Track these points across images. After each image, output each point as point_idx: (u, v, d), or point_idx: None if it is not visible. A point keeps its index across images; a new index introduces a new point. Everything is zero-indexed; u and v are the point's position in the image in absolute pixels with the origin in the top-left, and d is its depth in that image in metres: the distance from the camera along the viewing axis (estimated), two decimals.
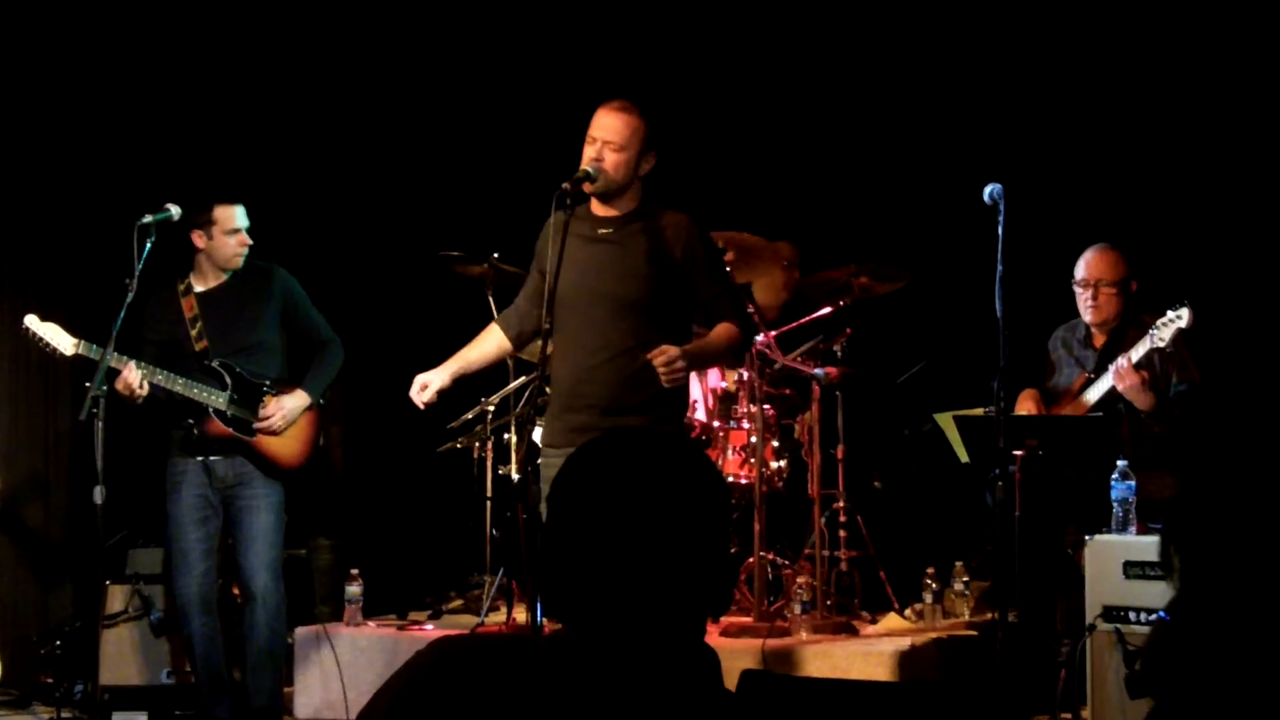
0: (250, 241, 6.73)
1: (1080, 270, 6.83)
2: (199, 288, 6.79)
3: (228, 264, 6.74)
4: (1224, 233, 7.73)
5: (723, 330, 5.60)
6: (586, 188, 5.56)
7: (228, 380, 6.65)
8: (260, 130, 8.84)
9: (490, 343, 5.99)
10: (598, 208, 5.68)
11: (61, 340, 6.43)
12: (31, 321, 6.44)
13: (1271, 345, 7.57)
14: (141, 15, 8.41)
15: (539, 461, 5.93)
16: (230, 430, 6.62)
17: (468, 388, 8.14)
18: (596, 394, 5.55)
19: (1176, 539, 2.40)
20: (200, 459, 6.66)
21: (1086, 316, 6.87)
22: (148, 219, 6.33)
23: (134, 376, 6.41)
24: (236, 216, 6.70)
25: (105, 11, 8.35)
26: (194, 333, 6.70)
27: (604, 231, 5.64)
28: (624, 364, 5.49)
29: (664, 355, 5.31)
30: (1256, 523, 2.30)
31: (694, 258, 5.60)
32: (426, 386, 5.80)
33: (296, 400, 6.76)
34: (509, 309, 6.03)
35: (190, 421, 6.62)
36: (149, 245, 6.27)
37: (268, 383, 6.73)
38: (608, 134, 5.56)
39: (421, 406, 5.87)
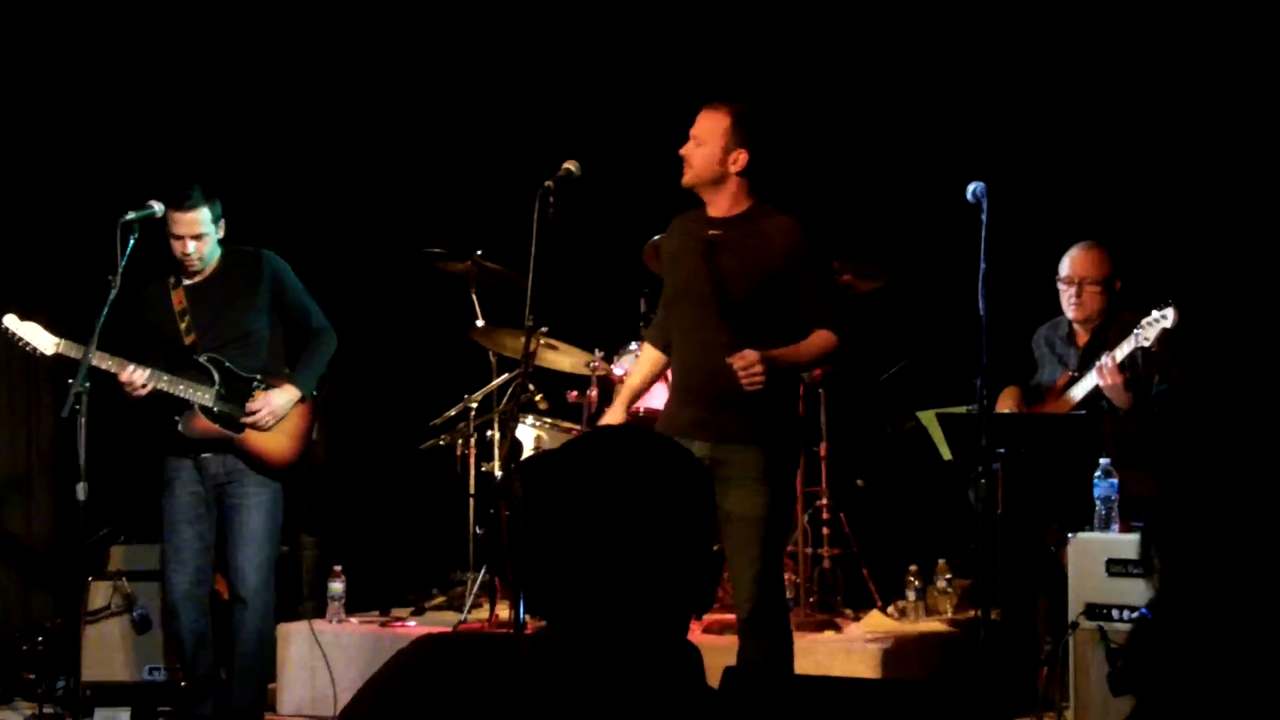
0: (189, 252, 6.55)
1: (1065, 267, 6.85)
2: (188, 280, 6.69)
3: (180, 263, 6.64)
4: (1207, 232, 7.75)
5: (818, 337, 5.67)
6: (684, 184, 5.73)
7: (215, 375, 6.59)
8: (244, 127, 8.82)
9: (645, 362, 6.11)
10: (710, 209, 5.78)
11: (41, 340, 6.40)
12: (10, 321, 6.41)
13: (1254, 345, 7.58)
14: (126, 12, 8.39)
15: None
16: (217, 427, 6.58)
17: (451, 385, 8.18)
18: (703, 392, 5.66)
19: (1156, 538, 2.40)
20: (191, 457, 6.63)
21: (1069, 314, 6.89)
22: (130, 216, 6.29)
23: (137, 376, 6.39)
24: (177, 221, 6.51)
25: (89, 8, 8.33)
26: (182, 326, 6.61)
27: (714, 233, 5.74)
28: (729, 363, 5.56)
29: (742, 359, 5.41)
30: (1236, 521, 2.30)
31: (797, 262, 5.66)
32: None
33: (285, 395, 6.66)
34: (652, 325, 6.19)
35: (176, 418, 6.58)
36: (132, 242, 6.24)
37: (258, 377, 6.64)
38: (694, 129, 5.74)
39: None
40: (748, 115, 5.76)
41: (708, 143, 5.68)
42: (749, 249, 5.66)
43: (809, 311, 5.69)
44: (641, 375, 6.10)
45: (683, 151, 5.72)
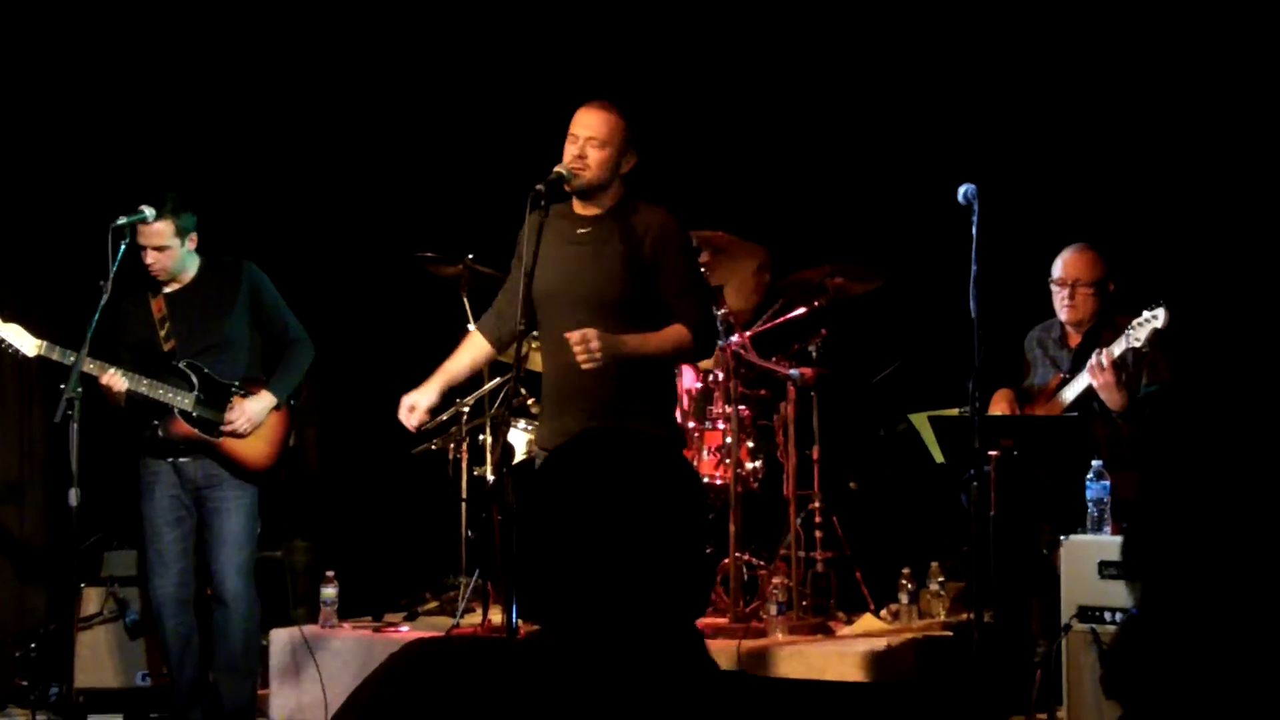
0: (151, 262, 6.63)
1: (1058, 269, 6.85)
2: (168, 289, 6.78)
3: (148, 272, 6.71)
4: (1198, 234, 7.75)
5: (672, 330, 5.53)
6: (567, 188, 5.55)
7: (194, 381, 6.64)
8: (235, 131, 8.82)
9: (472, 351, 5.96)
10: (578, 206, 5.66)
11: (24, 342, 6.43)
12: None
13: (1244, 347, 7.59)
14: (119, 16, 8.39)
15: (525, 464, 5.92)
16: (195, 431, 6.62)
17: (446, 390, 8.16)
18: (584, 398, 5.52)
19: (1139, 541, 2.40)
20: (170, 461, 6.68)
21: (1062, 315, 6.89)
22: (122, 221, 6.32)
23: (115, 380, 6.42)
24: (138, 233, 6.56)
25: (82, 12, 8.32)
26: (162, 334, 6.70)
27: (582, 231, 5.63)
28: (608, 367, 5.44)
29: (580, 335, 5.29)
30: (1222, 524, 2.30)
31: (661, 253, 5.56)
32: (415, 407, 5.75)
33: (261, 403, 6.74)
34: (487, 314, 6.01)
35: (155, 423, 6.62)
36: (123, 247, 6.27)
37: (236, 384, 6.72)
38: (591, 130, 5.56)
39: (413, 429, 5.83)
40: (631, 117, 5.64)
41: (607, 146, 5.56)
42: (620, 245, 5.56)
43: (669, 304, 5.57)
44: (465, 362, 5.94)
45: (579, 151, 5.55)
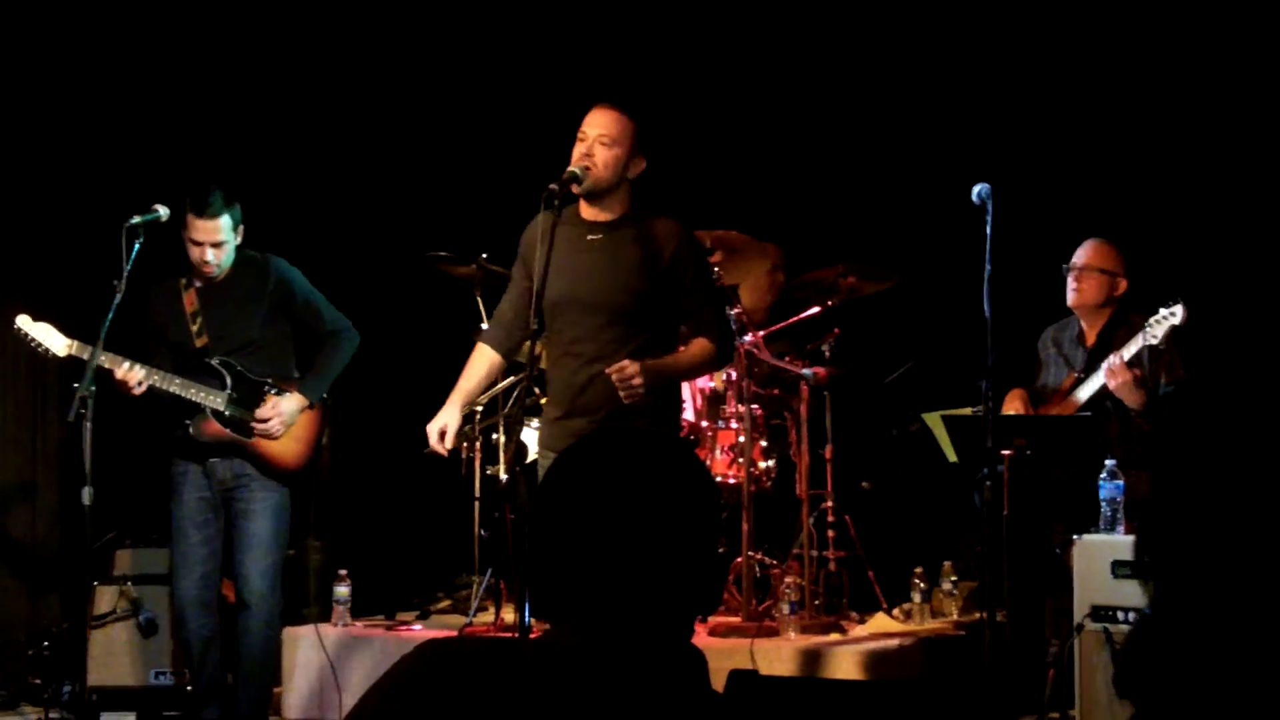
0: (210, 259, 6.52)
1: (1073, 257, 6.87)
2: (200, 283, 6.68)
3: (197, 268, 6.65)
4: (1215, 233, 7.73)
5: (697, 346, 5.59)
6: (575, 189, 5.52)
7: (228, 379, 6.57)
8: (248, 130, 8.83)
9: (483, 365, 5.88)
10: (587, 211, 5.63)
11: (54, 341, 6.39)
12: (23, 322, 6.40)
13: (1261, 347, 7.57)
14: (134, 15, 8.40)
15: (537, 463, 5.91)
16: (227, 431, 6.57)
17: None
18: (593, 403, 5.52)
19: (1151, 541, 2.39)
20: (200, 462, 6.62)
21: (1067, 300, 6.90)
22: (136, 220, 6.29)
23: (132, 375, 6.37)
24: (197, 228, 6.50)
25: (98, 11, 8.34)
26: (194, 329, 6.60)
27: (593, 238, 5.60)
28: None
29: (619, 371, 5.30)
30: (1234, 526, 2.30)
31: (681, 266, 5.56)
32: (444, 432, 5.71)
33: (292, 403, 6.63)
34: (492, 324, 5.98)
35: (187, 423, 6.56)
36: (137, 246, 6.24)
37: (269, 381, 6.64)
38: (600, 129, 5.52)
39: (445, 453, 5.81)
40: (641, 121, 5.60)
41: (616, 146, 5.51)
42: (633, 255, 5.54)
43: (690, 317, 5.62)
44: (478, 378, 5.86)
45: (588, 150, 5.51)
